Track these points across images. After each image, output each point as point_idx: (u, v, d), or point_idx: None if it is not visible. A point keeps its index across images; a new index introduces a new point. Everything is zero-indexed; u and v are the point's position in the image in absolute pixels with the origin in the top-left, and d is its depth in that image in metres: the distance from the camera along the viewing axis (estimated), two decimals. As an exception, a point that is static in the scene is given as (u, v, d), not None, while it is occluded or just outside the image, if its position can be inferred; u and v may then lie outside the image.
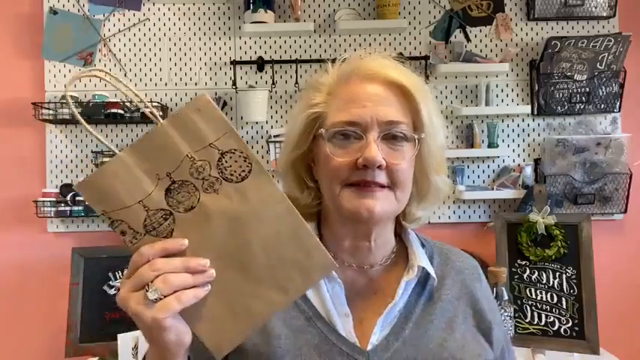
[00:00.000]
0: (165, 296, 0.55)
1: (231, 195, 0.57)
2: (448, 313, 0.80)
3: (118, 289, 0.59)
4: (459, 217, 2.31)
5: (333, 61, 0.82)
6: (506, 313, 1.80)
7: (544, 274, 2.02)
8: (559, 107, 2.27)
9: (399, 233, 0.87)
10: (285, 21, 2.30)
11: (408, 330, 0.77)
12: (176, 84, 2.30)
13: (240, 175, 0.57)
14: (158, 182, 0.56)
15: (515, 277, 2.04)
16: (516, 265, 2.05)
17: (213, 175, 0.56)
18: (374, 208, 0.73)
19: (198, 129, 0.55)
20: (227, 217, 0.57)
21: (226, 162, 0.56)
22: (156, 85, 2.30)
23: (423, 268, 0.80)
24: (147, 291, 0.55)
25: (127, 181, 0.55)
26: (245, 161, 0.57)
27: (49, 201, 2.14)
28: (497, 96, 2.32)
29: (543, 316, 1.98)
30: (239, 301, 0.59)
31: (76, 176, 2.24)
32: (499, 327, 0.85)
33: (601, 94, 2.25)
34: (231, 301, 0.59)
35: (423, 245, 0.86)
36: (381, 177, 0.73)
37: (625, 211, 2.25)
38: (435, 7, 2.33)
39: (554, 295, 1.99)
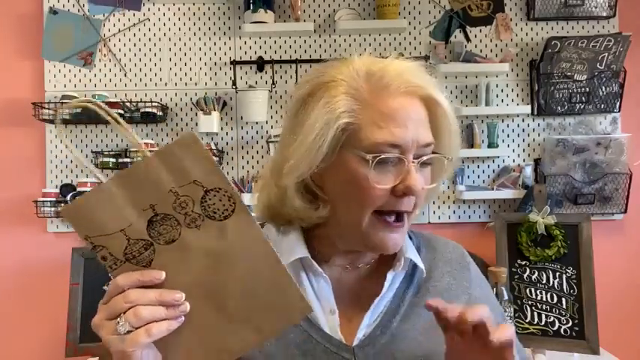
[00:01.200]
0: (136, 328, 0.55)
1: (212, 232, 0.57)
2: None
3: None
4: (459, 217, 2.31)
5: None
6: (506, 313, 1.80)
7: (544, 274, 2.01)
8: (559, 107, 2.27)
9: None
10: (285, 21, 2.30)
11: (395, 323, 0.76)
12: (176, 84, 2.30)
13: (223, 213, 0.57)
14: (141, 213, 0.56)
15: (515, 277, 2.04)
16: (516, 265, 2.05)
17: (196, 211, 0.56)
18: (399, 243, 0.73)
19: (183, 165, 0.55)
20: (206, 253, 0.58)
21: (210, 200, 0.56)
22: (156, 85, 2.30)
23: (411, 260, 0.78)
24: (118, 323, 0.55)
25: (110, 209, 0.56)
26: (229, 200, 0.56)
27: (49, 201, 2.14)
28: (497, 96, 2.32)
29: (543, 316, 1.98)
30: (212, 336, 0.59)
31: (76, 176, 2.24)
32: (493, 311, 0.84)
33: (601, 94, 2.25)
34: (205, 335, 0.59)
35: (410, 237, 0.84)
36: (411, 204, 0.71)
37: (625, 211, 2.25)
38: (435, 7, 2.33)
39: (554, 295, 1.99)
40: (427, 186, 0.72)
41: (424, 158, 0.70)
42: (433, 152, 0.73)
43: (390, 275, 0.77)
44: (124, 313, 0.55)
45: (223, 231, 0.57)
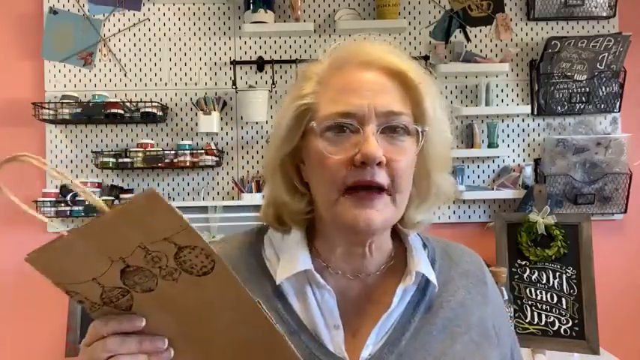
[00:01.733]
0: None
1: (191, 286, 0.53)
2: (450, 322, 0.72)
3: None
4: (459, 217, 2.31)
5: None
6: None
7: (544, 274, 2.01)
8: (559, 107, 2.27)
9: (399, 235, 0.78)
10: (285, 21, 2.30)
11: (404, 342, 0.69)
12: (176, 84, 2.30)
13: (201, 269, 0.52)
14: (112, 264, 0.51)
15: (515, 277, 2.04)
16: (516, 265, 2.05)
17: (171, 265, 0.51)
18: (373, 220, 0.66)
19: (149, 223, 0.49)
20: (187, 305, 0.54)
21: (185, 256, 0.51)
22: (156, 85, 2.30)
23: (423, 274, 0.72)
24: None
25: (77, 259, 0.50)
26: (207, 258, 0.51)
27: (49, 201, 2.14)
28: (497, 96, 2.32)
29: (543, 316, 1.98)
30: None
31: (76, 176, 2.24)
32: (506, 326, 0.80)
33: (601, 94, 2.25)
34: None
35: (425, 246, 0.79)
36: (381, 176, 0.65)
37: (625, 211, 2.25)
38: (435, 7, 2.33)
39: (554, 295, 1.99)
40: (400, 158, 0.66)
41: (391, 123, 0.66)
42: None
43: (399, 290, 0.71)
44: None
45: (203, 286, 0.52)
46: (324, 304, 0.71)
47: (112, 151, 2.21)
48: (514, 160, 2.33)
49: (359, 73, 0.68)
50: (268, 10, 2.20)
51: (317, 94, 0.70)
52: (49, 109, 2.16)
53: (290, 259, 0.72)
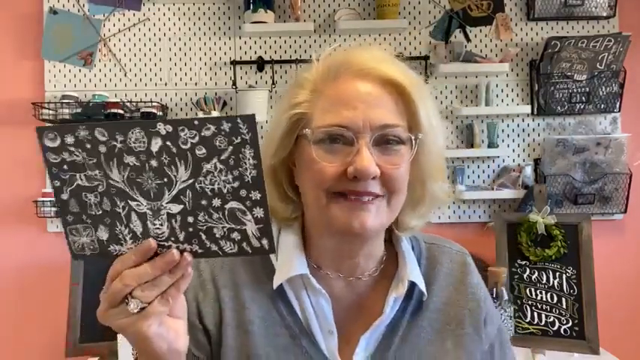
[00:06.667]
0: (148, 303, 0.53)
1: None
2: (437, 322, 0.74)
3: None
4: (459, 217, 2.31)
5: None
6: (506, 313, 1.80)
7: (544, 274, 2.01)
8: (559, 107, 2.27)
9: (391, 238, 0.79)
10: (285, 21, 2.30)
11: (393, 347, 0.71)
12: (176, 84, 2.30)
13: None
14: None
15: (515, 277, 2.04)
16: (516, 265, 2.05)
17: None
18: (367, 223, 0.66)
19: None
20: None
21: None
22: (156, 85, 2.30)
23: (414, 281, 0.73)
24: (127, 304, 0.52)
25: None
26: None
27: (49, 201, 2.14)
28: (497, 96, 2.32)
29: (543, 316, 1.98)
30: None
31: (76, 176, 2.24)
32: (492, 322, 0.79)
33: (601, 94, 2.25)
34: None
35: (413, 248, 0.79)
36: (375, 187, 0.66)
37: (625, 211, 2.25)
38: (435, 7, 2.33)
39: (554, 295, 1.99)
40: (394, 165, 0.66)
41: (385, 135, 0.66)
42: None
43: (391, 299, 0.72)
44: (130, 294, 0.52)
45: None
46: (318, 309, 0.71)
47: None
48: (514, 160, 2.32)
49: (354, 84, 0.68)
50: (268, 10, 2.20)
51: (311, 103, 0.69)
52: (49, 109, 2.16)
53: (286, 262, 0.71)
